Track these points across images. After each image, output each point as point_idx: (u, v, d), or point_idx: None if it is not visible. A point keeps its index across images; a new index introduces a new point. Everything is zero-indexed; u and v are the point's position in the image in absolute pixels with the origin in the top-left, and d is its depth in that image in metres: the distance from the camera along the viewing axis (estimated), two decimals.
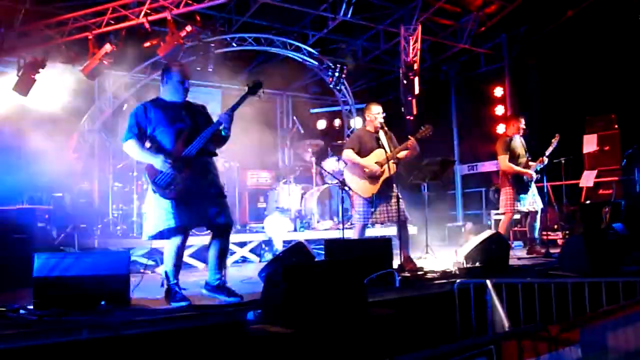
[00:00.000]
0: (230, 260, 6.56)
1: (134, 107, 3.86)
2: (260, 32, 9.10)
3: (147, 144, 3.75)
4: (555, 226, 7.99)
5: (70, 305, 3.12)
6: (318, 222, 7.69)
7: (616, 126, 8.16)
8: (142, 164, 3.79)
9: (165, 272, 3.69)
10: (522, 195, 6.28)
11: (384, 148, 5.19)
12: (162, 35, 7.66)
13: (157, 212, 3.63)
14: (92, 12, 7.49)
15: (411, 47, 8.76)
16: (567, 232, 7.72)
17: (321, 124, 11.50)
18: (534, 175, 6.28)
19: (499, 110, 10.34)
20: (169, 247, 3.73)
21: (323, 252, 4.87)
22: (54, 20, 7.49)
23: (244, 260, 6.86)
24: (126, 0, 7.37)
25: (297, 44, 9.31)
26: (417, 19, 8.82)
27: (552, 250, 6.13)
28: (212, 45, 8.29)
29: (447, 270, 4.79)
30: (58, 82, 7.89)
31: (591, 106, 8.39)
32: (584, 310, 3.30)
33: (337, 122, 11.30)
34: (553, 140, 6.33)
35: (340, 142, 9.05)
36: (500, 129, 9.92)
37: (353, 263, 3.14)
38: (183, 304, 3.47)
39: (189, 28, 7.44)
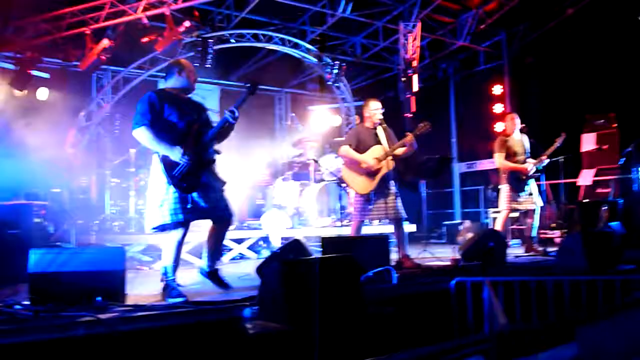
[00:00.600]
0: (227, 256, 6.57)
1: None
2: (259, 28, 9.08)
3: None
4: (553, 224, 7.98)
5: (66, 301, 3.11)
6: (316, 219, 7.68)
7: (615, 125, 8.15)
8: (144, 156, 3.78)
9: (165, 268, 3.69)
10: (520, 193, 6.25)
11: (382, 144, 5.16)
12: (160, 31, 7.64)
13: (165, 205, 3.62)
14: (90, 7, 7.45)
15: (410, 45, 8.76)
16: (564, 230, 7.72)
17: (319, 121, 11.48)
18: (530, 167, 6.13)
19: (498, 108, 10.33)
20: (169, 241, 3.73)
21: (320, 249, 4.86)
22: (51, 14, 7.44)
23: (242, 257, 6.85)
24: None
25: (296, 40, 9.29)
26: (417, 16, 8.81)
27: (549, 249, 6.14)
28: (211, 41, 8.26)
29: (445, 268, 4.79)
30: None
31: (590, 105, 8.39)
32: (581, 309, 3.31)
33: (335, 119, 11.28)
34: (557, 139, 6.24)
35: (338, 139, 9.03)
36: (499, 127, 9.92)
37: (350, 260, 3.13)
38: (179, 300, 3.46)
39: (187, 24, 7.41)
